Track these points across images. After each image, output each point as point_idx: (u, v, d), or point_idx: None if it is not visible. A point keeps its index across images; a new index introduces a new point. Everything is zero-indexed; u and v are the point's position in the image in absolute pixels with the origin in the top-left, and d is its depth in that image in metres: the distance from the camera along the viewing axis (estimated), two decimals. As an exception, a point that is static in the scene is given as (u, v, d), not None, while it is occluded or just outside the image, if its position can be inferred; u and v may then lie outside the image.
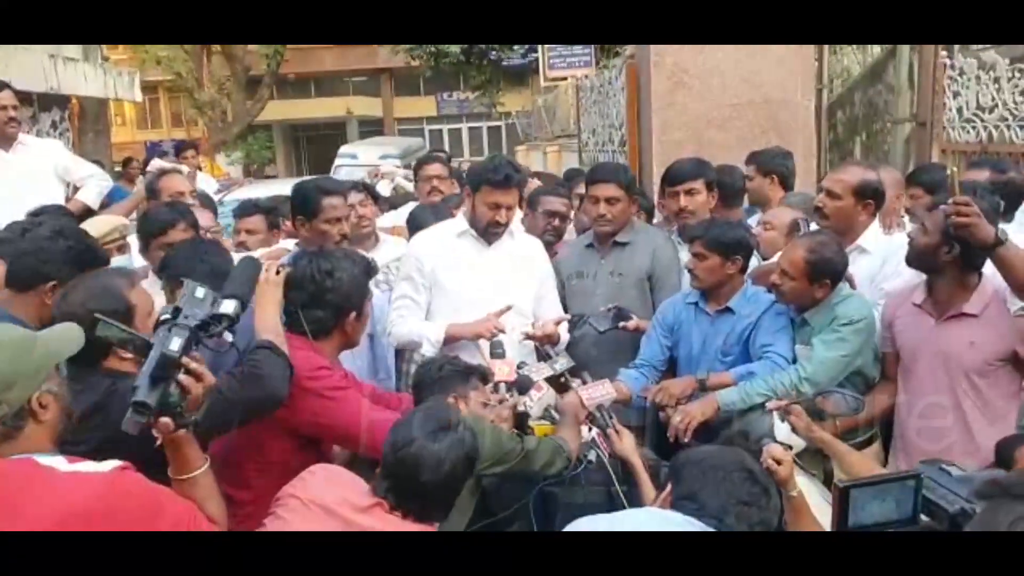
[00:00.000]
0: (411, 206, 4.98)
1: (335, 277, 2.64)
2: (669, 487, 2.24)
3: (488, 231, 3.51)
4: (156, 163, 5.67)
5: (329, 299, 2.64)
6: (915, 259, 3.01)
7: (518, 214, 3.96)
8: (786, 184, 4.48)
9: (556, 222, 4.32)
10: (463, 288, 3.50)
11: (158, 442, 2.01)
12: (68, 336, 1.99)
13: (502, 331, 3.27)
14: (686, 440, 3.03)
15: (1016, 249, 2.76)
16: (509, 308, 3.39)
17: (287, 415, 2.47)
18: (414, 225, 4.29)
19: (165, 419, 1.93)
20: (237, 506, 2.47)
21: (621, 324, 3.57)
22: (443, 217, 4.16)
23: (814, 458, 2.92)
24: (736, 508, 2.08)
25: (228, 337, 2.18)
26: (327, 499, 2.22)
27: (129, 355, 2.24)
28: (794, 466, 2.55)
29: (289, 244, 4.03)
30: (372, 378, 3.58)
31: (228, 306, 2.22)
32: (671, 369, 3.53)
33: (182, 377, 1.97)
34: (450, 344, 3.38)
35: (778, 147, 4.86)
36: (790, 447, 2.68)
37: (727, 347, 3.33)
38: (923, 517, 1.76)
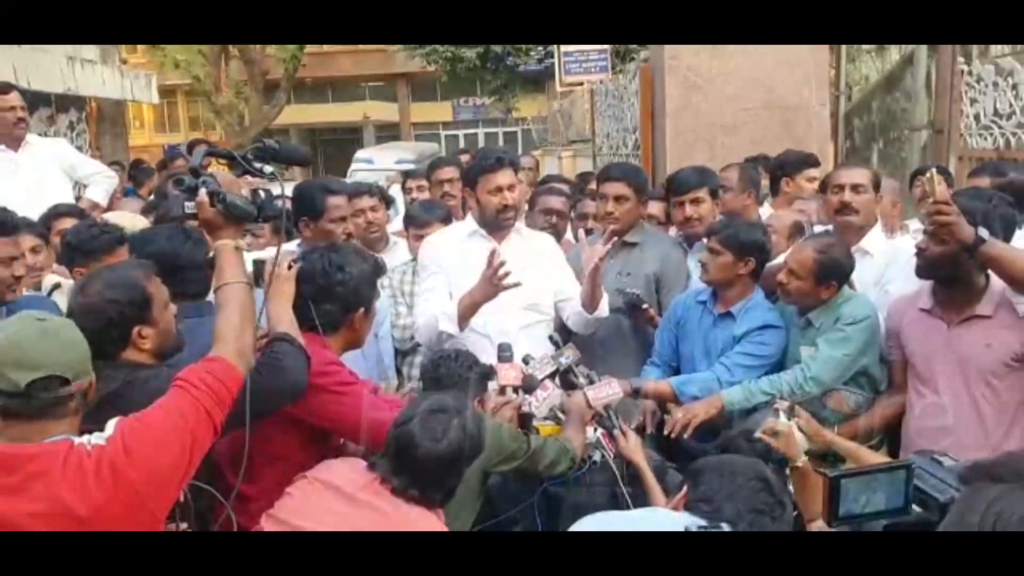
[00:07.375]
0: None
1: (345, 272, 2.63)
2: (685, 489, 2.25)
3: (500, 219, 3.49)
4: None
5: (339, 293, 2.63)
6: (930, 269, 2.93)
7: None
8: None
9: (554, 220, 4.29)
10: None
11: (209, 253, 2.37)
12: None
13: (505, 287, 3.21)
14: (686, 437, 3.03)
15: (1001, 245, 2.72)
16: (518, 284, 3.27)
17: (296, 409, 2.48)
18: (407, 221, 4.32)
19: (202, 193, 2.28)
20: (246, 501, 2.48)
21: (645, 305, 3.58)
22: (438, 212, 4.20)
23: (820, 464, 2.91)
24: (750, 516, 2.09)
25: (268, 168, 2.40)
26: (329, 476, 2.30)
27: (147, 345, 2.27)
28: (795, 433, 2.53)
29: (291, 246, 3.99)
30: (376, 378, 3.57)
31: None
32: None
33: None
34: (469, 318, 3.33)
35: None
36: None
37: (728, 350, 3.30)
38: (915, 508, 1.73)
